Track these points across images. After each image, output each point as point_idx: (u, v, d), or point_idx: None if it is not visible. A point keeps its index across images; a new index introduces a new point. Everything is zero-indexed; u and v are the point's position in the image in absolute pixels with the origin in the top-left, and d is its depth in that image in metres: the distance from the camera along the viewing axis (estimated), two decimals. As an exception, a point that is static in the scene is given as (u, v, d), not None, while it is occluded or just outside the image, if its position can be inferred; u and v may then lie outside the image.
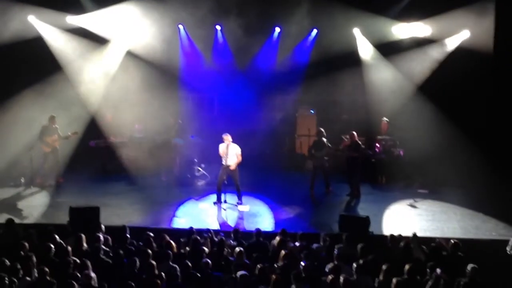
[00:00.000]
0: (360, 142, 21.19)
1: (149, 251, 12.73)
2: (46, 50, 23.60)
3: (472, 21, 22.53)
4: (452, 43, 23.67)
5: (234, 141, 19.07)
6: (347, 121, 24.82)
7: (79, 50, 24.32)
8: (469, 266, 11.78)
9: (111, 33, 24.78)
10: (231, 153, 18.90)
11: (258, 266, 11.97)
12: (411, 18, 23.67)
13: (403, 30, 24.10)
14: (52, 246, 12.75)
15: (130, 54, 24.87)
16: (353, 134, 20.91)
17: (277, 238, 14.10)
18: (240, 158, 19.05)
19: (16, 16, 22.72)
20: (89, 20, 24.34)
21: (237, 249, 12.90)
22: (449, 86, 22.84)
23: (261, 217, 18.21)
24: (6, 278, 10.84)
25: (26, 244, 12.92)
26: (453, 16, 22.65)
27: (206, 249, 13.63)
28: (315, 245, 13.94)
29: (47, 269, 11.25)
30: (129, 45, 24.80)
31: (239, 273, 11.54)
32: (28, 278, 11.44)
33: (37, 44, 23.37)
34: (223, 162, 18.96)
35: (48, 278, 11.10)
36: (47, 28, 23.82)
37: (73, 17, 24.05)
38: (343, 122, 24.79)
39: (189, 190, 21.13)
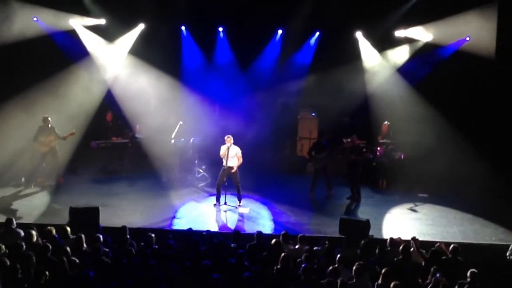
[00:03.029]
0: (362, 145, 21.25)
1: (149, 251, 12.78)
2: (48, 50, 23.57)
3: (474, 25, 22.55)
4: (453, 47, 23.69)
5: (234, 143, 19.08)
6: (348, 124, 24.83)
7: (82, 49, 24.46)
8: (469, 272, 11.80)
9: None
10: (231, 155, 18.88)
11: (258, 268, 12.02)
12: (413, 23, 23.65)
13: (405, 34, 24.10)
14: (52, 246, 12.76)
15: (131, 55, 24.93)
16: (354, 137, 20.94)
17: (274, 240, 14.08)
18: (241, 160, 19.05)
19: (19, 15, 22.76)
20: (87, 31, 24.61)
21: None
22: (451, 90, 22.88)
23: (261, 219, 18.23)
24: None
25: (26, 244, 12.96)
26: (455, 20, 22.68)
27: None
28: (315, 248, 13.95)
29: (45, 269, 11.28)
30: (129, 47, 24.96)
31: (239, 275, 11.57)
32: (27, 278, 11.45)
33: (39, 44, 23.36)
34: (224, 164, 18.97)
35: (46, 278, 11.13)
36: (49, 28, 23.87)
37: (76, 20, 24.12)
38: (345, 125, 24.80)
39: (189, 192, 21.15)
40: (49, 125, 21.02)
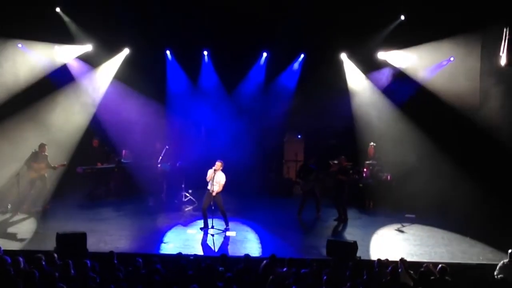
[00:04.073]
0: (348, 167, 21.28)
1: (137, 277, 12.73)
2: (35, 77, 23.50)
3: (458, 50, 22.68)
4: (438, 67, 23.78)
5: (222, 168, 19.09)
6: (334, 146, 24.86)
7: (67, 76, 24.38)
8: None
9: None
10: (216, 180, 18.89)
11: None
12: (397, 44, 23.68)
13: (389, 56, 24.16)
14: (39, 272, 12.68)
15: (116, 80, 24.89)
16: (343, 158, 20.98)
17: (264, 263, 14.06)
18: (221, 188, 19.02)
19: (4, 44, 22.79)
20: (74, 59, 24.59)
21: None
22: (436, 110, 22.94)
23: (248, 242, 18.19)
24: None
25: (13, 271, 12.87)
26: (440, 44, 22.77)
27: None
28: (303, 270, 13.93)
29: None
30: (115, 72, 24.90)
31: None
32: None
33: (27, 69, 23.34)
34: (208, 187, 18.97)
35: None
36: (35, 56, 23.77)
37: (61, 48, 24.10)
38: (331, 147, 24.81)
39: (176, 216, 21.11)
40: (44, 153, 21.03)
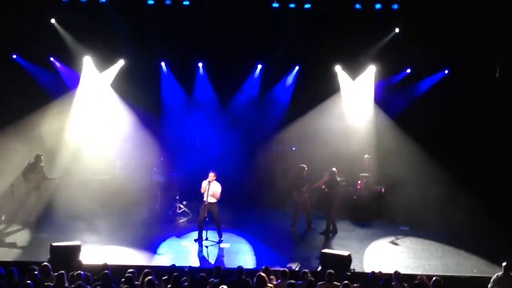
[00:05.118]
0: (338, 179, 21.19)
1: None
2: (27, 87, 23.47)
3: (454, 59, 22.77)
4: (432, 79, 23.85)
5: (216, 178, 19.06)
6: (328, 158, 24.80)
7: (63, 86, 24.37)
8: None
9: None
10: (211, 190, 18.90)
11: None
12: (391, 58, 23.68)
13: (382, 68, 24.13)
14: (33, 284, 12.67)
15: (111, 91, 24.84)
16: (333, 171, 20.94)
17: (258, 275, 14.04)
18: (217, 196, 19.06)
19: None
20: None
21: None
22: (430, 122, 22.98)
23: (242, 254, 18.19)
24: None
25: (7, 283, 12.86)
26: (433, 55, 22.83)
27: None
28: (297, 283, 13.91)
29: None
30: (110, 83, 24.87)
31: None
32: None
33: (21, 80, 23.34)
34: (204, 199, 18.96)
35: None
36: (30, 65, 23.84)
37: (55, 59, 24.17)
38: (325, 159, 24.76)
39: (170, 227, 21.10)
40: (41, 164, 21.00)
